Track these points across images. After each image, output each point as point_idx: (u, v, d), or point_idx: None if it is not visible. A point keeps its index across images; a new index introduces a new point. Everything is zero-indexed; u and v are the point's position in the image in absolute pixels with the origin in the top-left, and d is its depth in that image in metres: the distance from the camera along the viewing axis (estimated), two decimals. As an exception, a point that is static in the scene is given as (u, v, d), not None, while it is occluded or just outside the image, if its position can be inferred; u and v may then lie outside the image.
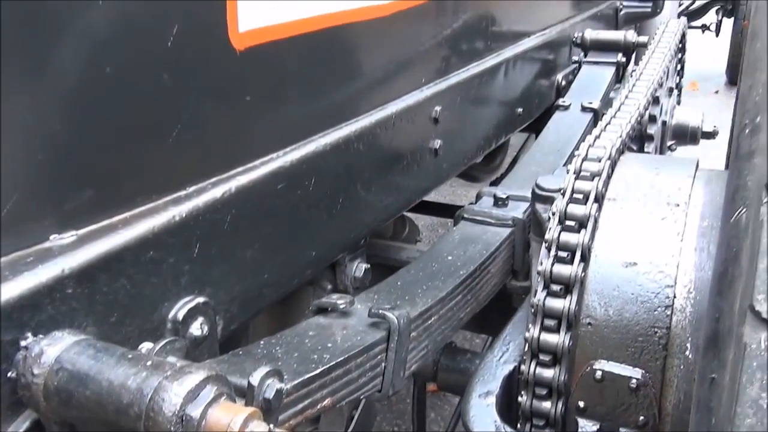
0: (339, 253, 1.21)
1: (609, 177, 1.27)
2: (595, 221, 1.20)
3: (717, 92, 6.54)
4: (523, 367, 1.19)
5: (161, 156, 0.82)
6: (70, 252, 0.70)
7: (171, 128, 0.82)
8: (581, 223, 1.19)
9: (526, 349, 1.18)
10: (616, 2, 3.10)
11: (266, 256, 0.98)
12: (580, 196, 1.21)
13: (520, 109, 2.01)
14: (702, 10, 6.61)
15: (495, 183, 2.07)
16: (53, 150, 0.70)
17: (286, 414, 0.82)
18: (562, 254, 1.17)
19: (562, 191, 1.23)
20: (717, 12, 6.71)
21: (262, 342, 0.93)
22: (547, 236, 1.20)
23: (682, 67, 2.57)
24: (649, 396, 1.12)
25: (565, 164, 1.72)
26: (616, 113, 1.55)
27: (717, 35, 6.76)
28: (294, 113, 1.05)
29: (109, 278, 0.73)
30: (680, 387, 1.12)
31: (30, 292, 0.65)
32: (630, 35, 2.37)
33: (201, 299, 0.85)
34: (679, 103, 2.58)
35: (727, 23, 6.65)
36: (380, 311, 0.98)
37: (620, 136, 1.36)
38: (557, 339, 1.15)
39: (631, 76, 1.83)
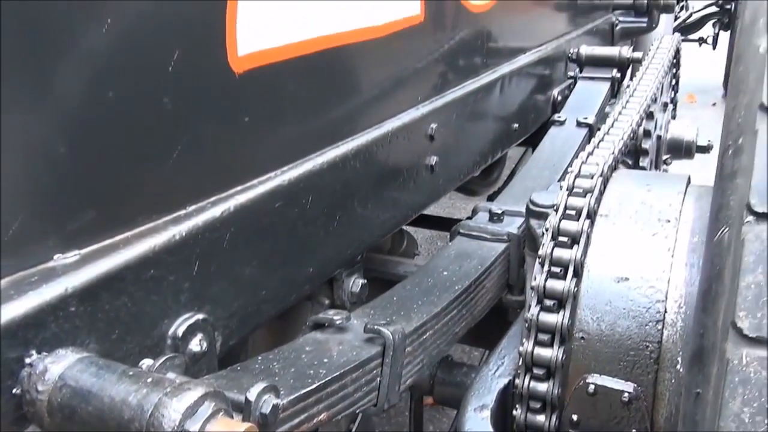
0: (336, 269, 1.23)
1: (601, 193, 1.30)
2: (588, 237, 1.22)
3: (714, 105, 6.58)
4: (517, 381, 1.21)
5: (162, 177, 0.85)
6: (74, 271, 0.72)
7: (171, 150, 0.85)
8: (574, 239, 1.21)
9: (521, 363, 1.20)
10: (611, 17, 3.14)
11: (264, 273, 1.00)
12: (573, 213, 1.23)
13: (516, 125, 2.03)
14: (699, 24, 6.66)
15: (492, 197, 2.10)
16: (57, 172, 0.73)
17: (282, 429, 0.83)
18: (556, 269, 1.19)
19: (555, 207, 1.26)
20: (714, 25, 6.76)
21: (259, 358, 0.95)
22: (540, 252, 1.22)
23: (677, 82, 2.60)
24: (641, 409, 1.14)
25: (560, 179, 1.74)
26: (609, 130, 1.58)
27: (714, 48, 6.81)
28: (292, 133, 1.07)
29: (111, 296, 0.75)
30: (672, 400, 1.13)
31: (34, 310, 0.67)
32: (625, 51, 2.40)
33: (200, 316, 0.87)
34: (674, 117, 2.61)
35: (724, 36, 6.70)
36: (375, 327, 1.00)
37: (612, 153, 1.39)
38: (551, 353, 1.17)
39: (625, 92, 1.86)
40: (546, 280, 1.19)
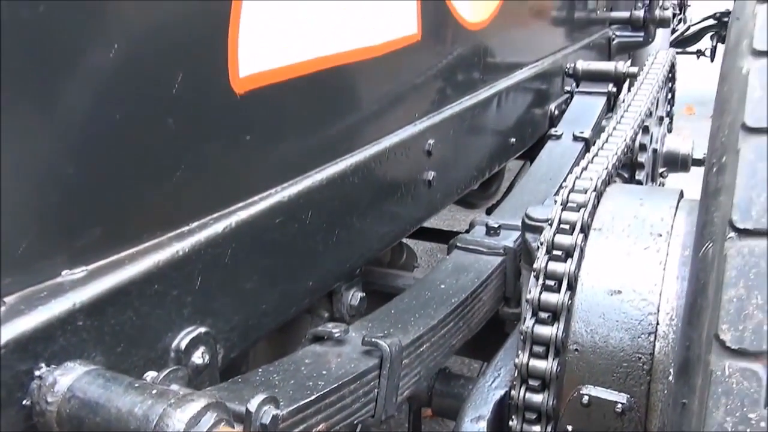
0: (335, 283, 1.25)
1: (595, 208, 1.32)
2: (582, 251, 1.25)
3: (712, 117, 6.60)
4: (513, 392, 1.24)
5: (166, 194, 0.88)
6: (81, 287, 0.75)
7: (175, 168, 0.88)
8: (568, 253, 1.23)
9: (516, 374, 1.22)
10: (608, 32, 3.18)
11: (265, 287, 1.03)
12: (567, 227, 1.26)
13: (513, 139, 2.07)
14: (697, 36, 6.71)
15: (491, 210, 2.12)
16: (65, 192, 0.76)
17: (282, 439, 0.86)
18: (550, 283, 1.22)
19: (549, 222, 1.29)
20: (711, 38, 6.81)
21: (260, 370, 0.97)
22: (535, 265, 1.25)
23: (673, 96, 2.64)
24: (634, 420, 1.16)
25: (556, 193, 1.77)
26: (603, 145, 1.61)
27: (712, 60, 6.85)
28: (291, 150, 1.10)
29: (117, 311, 0.78)
30: (664, 411, 1.16)
31: (43, 324, 0.70)
32: (620, 66, 2.43)
33: (202, 329, 0.89)
34: (670, 131, 2.64)
35: (722, 48, 6.73)
36: (373, 339, 1.03)
37: (606, 168, 1.42)
38: (545, 365, 1.19)
39: (620, 106, 1.89)
40: (540, 293, 1.21)
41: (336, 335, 1.05)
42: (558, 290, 1.21)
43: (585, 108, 2.35)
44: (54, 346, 0.70)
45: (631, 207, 1.33)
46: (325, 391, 0.92)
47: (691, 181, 1.92)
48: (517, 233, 1.52)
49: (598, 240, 1.28)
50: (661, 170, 2.46)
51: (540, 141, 2.27)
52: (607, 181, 1.43)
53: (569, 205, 1.30)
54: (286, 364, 0.98)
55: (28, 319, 0.69)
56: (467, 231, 1.62)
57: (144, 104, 0.82)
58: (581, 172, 1.41)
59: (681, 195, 1.39)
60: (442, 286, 1.33)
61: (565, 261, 1.23)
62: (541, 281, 1.22)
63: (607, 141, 1.61)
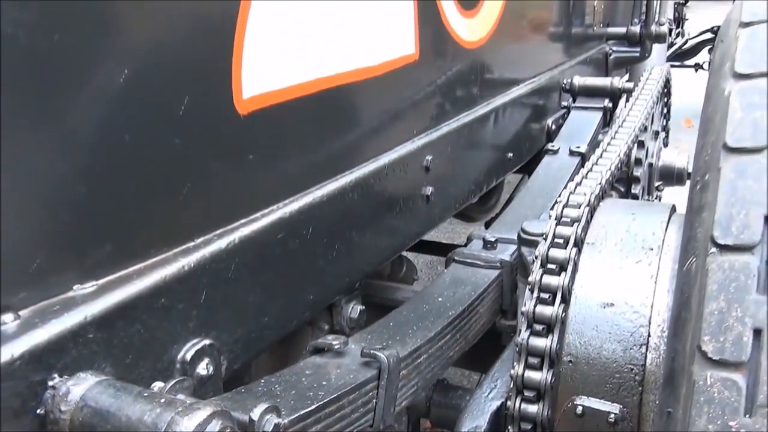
0: (335, 296, 1.29)
1: (588, 222, 1.36)
2: (575, 264, 1.28)
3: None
4: (509, 403, 1.27)
5: (172, 211, 0.91)
6: (92, 300, 0.78)
7: (181, 186, 0.91)
8: (562, 267, 1.27)
9: (512, 385, 1.25)
10: (605, 47, 3.22)
11: (267, 301, 1.06)
12: (561, 241, 1.30)
13: (510, 154, 2.10)
14: (695, 50, 6.76)
15: (490, 223, 2.16)
16: (76, 210, 0.79)
17: (283, 447, 0.89)
18: (544, 296, 1.25)
19: (544, 236, 1.32)
20: (710, 51, 6.86)
21: (262, 380, 1.01)
22: (530, 278, 1.28)
23: (668, 111, 2.68)
24: (626, 430, 1.19)
25: (552, 208, 1.80)
26: (597, 160, 1.65)
27: (710, 74, 6.89)
28: (293, 167, 1.14)
29: (126, 324, 0.81)
30: (655, 421, 1.19)
31: (56, 337, 0.73)
32: (616, 81, 2.48)
33: (207, 341, 0.93)
34: (666, 145, 2.68)
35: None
36: (371, 351, 1.06)
37: (599, 184, 1.45)
38: (540, 376, 1.23)
39: (614, 122, 1.93)
40: (535, 305, 1.25)
41: (336, 347, 1.08)
42: (552, 303, 1.24)
43: (581, 123, 2.39)
44: (66, 358, 0.74)
45: (623, 222, 1.36)
46: (325, 401, 0.95)
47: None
48: (514, 247, 1.56)
49: (592, 254, 1.31)
50: (657, 184, 2.49)
51: (538, 155, 2.31)
52: (601, 197, 1.47)
53: (563, 219, 1.33)
54: (288, 375, 1.02)
55: (41, 332, 0.72)
56: (465, 245, 1.65)
57: (152, 126, 0.86)
58: (575, 188, 1.44)
59: (673, 210, 1.43)
60: (440, 299, 1.37)
61: (559, 274, 1.26)
62: (535, 294, 1.26)
63: (601, 156, 1.65)
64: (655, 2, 3.30)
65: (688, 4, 7.38)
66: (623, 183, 2.22)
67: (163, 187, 0.89)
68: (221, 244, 0.96)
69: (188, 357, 0.89)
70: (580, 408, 1.20)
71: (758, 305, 0.74)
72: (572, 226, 1.31)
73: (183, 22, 0.89)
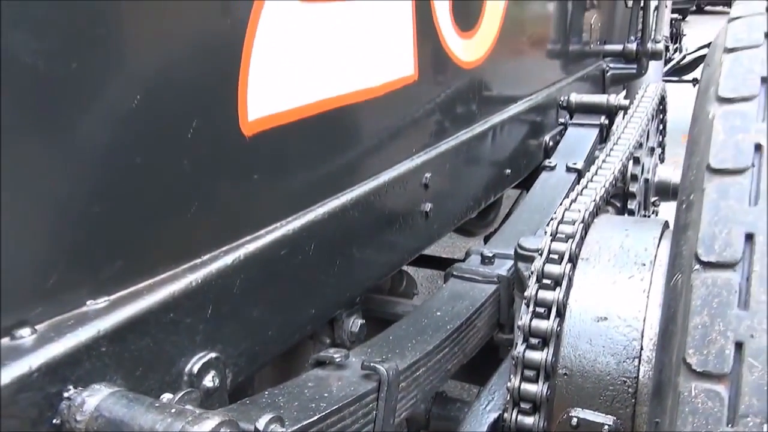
0: (336, 310, 1.32)
1: (582, 239, 1.40)
2: (570, 280, 1.32)
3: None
4: (506, 415, 1.30)
5: (180, 229, 0.95)
6: (104, 315, 0.82)
7: (189, 205, 0.95)
8: (557, 282, 1.31)
9: (509, 397, 1.29)
10: (602, 64, 3.27)
11: (270, 315, 1.09)
12: (556, 257, 1.33)
13: (508, 170, 2.14)
14: (692, 65, 6.82)
15: (488, 237, 2.19)
16: (90, 229, 0.83)
17: (287, 456, 0.92)
18: (540, 310, 1.29)
19: (540, 252, 1.36)
20: (707, 66, 6.92)
21: (266, 392, 1.04)
22: (526, 293, 1.32)
23: (664, 127, 2.72)
24: (620, 441, 1.22)
25: (548, 224, 1.84)
26: (592, 177, 1.69)
27: (708, 88, 6.95)
28: (296, 186, 1.18)
29: (136, 337, 0.85)
30: (648, 432, 1.22)
31: (71, 350, 0.77)
32: (612, 99, 2.52)
33: (213, 354, 0.96)
34: (662, 160, 2.72)
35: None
36: (372, 364, 1.09)
37: (593, 201, 1.49)
38: (536, 388, 1.26)
39: (610, 140, 1.97)
40: (531, 319, 1.28)
41: (337, 360, 1.12)
42: (548, 317, 1.28)
43: (578, 139, 2.43)
44: (80, 370, 0.77)
45: (617, 238, 1.40)
46: (327, 412, 0.99)
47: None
48: (511, 262, 1.59)
49: (586, 269, 1.35)
50: (653, 199, 2.53)
51: (536, 171, 2.34)
52: (595, 213, 1.51)
53: (558, 236, 1.37)
54: (291, 387, 1.05)
55: (57, 345, 0.76)
56: (463, 260, 1.69)
57: (162, 148, 0.90)
58: (570, 204, 1.48)
59: (666, 226, 1.46)
60: (438, 313, 1.40)
61: (554, 289, 1.30)
62: (531, 308, 1.29)
63: (596, 174, 1.69)
64: (651, 20, 3.35)
65: (686, 19, 7.46)
66: (619, 198, 2.26)
67: (172, 207, 0.93)
68: (227, 260, 1.00)
69: (195, 369, 0.92)
70: (575, 420, 1.24)
71: (739, 320, 0.77)
72: (567, 242, 1.35)
73: (193, 51, 0.93)
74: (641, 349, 1.23)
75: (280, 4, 1.06)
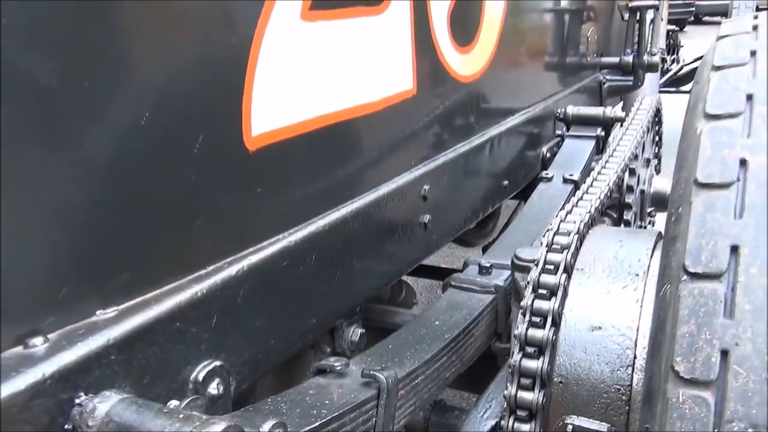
0: (337, 320, 1.35)
1: (577, 249, 1.43)
2: (565, 289, 1.35)
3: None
4: (503, 423, 1.32)
5: (186, 241, 0.98)
6: (113, 325, 0.85)
7: (194, 218, 0.99)
8: (552, 291, 1.34)
9: (505, 405, 1.32)
10: (599, 76, 3.32)
11: (273, 324, 1.12)
12: (552, 267, 1.36)
13: (506, 182, 2.18)
14: (690, 76, 6.86)
15: (487, 248, 2.22)
16: (99, 241, 0.86)
17: (289, 462, 0.95)
18: (536, 319, 1.32)
19: (536, 262, 1.39)
20: (705, 77, 6.96)
21: (269, 399, 1.07)
22: (522, 303, 1.35)
23: (660, 139, 2.76)
24: (614, 448, 1.25)
25: (544, 235, 1.87)
26: (588, 189, 1.72)
27: (706, 99, 6.97)
28: (298, 199, 1.21)
29: (144, 346, 0.88)
30: (641, 439, 1.24)
31: (82, 358, 0.80)
32: (608, 111, 2.56)
33: (217, 363, 0.99)
34: (658, 171, 2.76)
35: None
36: (371, 372, 1.12)
37: (588, 212, 1.53)
38: (532, 396, 1.29)
39: (605, 152, 2.01)
40: (527, 328, 1.31)
41: (337, 368, 1.15)
42: (543, 326, 1.31)
43: (575, 151, 2.47)
44: (90, 378, 0.80)
45: (611, 248, 1.43)
46: (328, 418, 1.02)
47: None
48: (508, 272, 1.62)
49: (581, 279, 1.38)
50: (649, 210, 2.56)
51: (533, 182, 2.38)
52: (590, 224, 1.54)
53: (554, 246, 1.40)
54: (293, 395, 1.08)
55: (69, 354, 0.79)
56: (461, 270, 1.72)
57: (169, 163, 0.93)
58: (566, 216, 1.52)
59: (659, 237, 1.49)
60: (437, 323, 1.43)
61: (550, 299, 1.33)
62: (527, 318, 1.32)
63: (591, 186, 1.72)
64: (647, 33, 3.40)
65: (685, 30, 7.51)
66: (616, 209, 2.29)
67: (178, 220, 0.97)
68: (231, 271, 1.03)
69: (200, 377, 0.95)
70: (570, 427, 1.26)
71: (725, 328, 0.80)
72: (562, 252, 1.38)
73: (200, 68, 0.97)
74: (635, 357, 1.26)
75: (283, 23, 1.10)
